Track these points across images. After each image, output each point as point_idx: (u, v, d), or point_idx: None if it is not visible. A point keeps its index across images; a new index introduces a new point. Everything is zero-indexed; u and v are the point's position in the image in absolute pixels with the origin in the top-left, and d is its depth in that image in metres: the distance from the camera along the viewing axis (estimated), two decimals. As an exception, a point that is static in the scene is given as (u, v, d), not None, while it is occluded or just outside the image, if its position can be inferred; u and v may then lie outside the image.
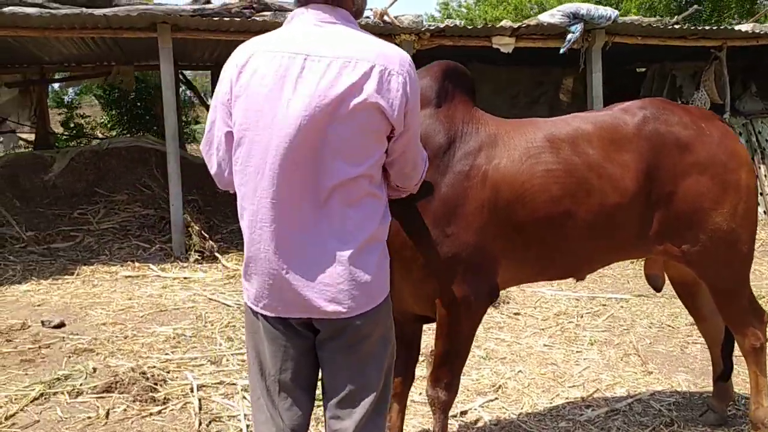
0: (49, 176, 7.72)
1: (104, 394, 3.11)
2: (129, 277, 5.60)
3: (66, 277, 5.57)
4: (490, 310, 2.48)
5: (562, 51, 6.74)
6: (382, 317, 1.68)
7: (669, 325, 4.26)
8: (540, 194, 2.18)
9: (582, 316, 4.47)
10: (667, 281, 2.82)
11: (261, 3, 6.19)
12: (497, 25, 7.02)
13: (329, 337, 1.64)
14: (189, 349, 3.85)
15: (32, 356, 3.72)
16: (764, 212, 7.96)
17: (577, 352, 3.81)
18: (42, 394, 3.13)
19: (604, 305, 4.73)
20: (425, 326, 2.50)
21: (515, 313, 4.52)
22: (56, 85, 13.12)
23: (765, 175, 8.09)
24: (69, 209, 7.28)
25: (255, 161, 1.53)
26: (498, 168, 2.14)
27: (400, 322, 2.18)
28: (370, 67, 1.50)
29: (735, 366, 2.85)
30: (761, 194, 7.94)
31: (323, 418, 1.76)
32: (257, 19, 6.11)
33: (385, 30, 6.35)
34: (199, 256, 6.08)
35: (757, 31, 7.41)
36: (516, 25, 6.85)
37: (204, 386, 3.26)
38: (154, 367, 3.47)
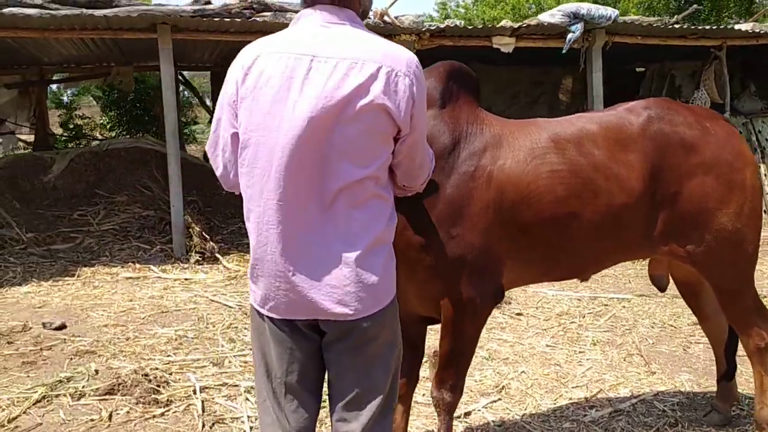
0: (48, 177, 7.70)
1: (107, 397, 3.10)
2: (130, 278, 5.59)
3: (66, 278, 5.56)
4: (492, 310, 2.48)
5: (564, 50, 6.73)
6: (389, 319, 1.67)
7: (671, 325, 4.25)
8: (545, 195, 2.17)
9: (584, 317, 4.47)
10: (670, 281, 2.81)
11: (261, 3, 6.19)
12: (497, 25, 7.02)
13: (336, 339, 1.63)
14: (191, 350, 3.84)
15: (34, 358, 3.71)
16: (765, 211, 7.97)
17: (579, 352, 3.80)
18: (44, 397, 3.12)
19: (606, 305, 4.73)
20: (428, 327, 2.49)
21: (517, 314, 4.51)
22: (54, 86, 13.09)
23: (765, 175, 8.09)
24: (69, 210, 7.26)
25: (261, 163, 1.52)
26: (503, 169, 2.14)
27: (405, 323, 2.16)
28: (377, 69, 1.49)
29: (738, 366, 2.85)
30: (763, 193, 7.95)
31: (326, 421, 1.75)
32: (257, 19, 6.11)
33: (386, 30, 6.34)
34: (199, 257, 6.08)
35: (757, 30, 7.41)
36: (516, 25, 6.86)
37: (207, 388, 3.25)
38: (157, 368, 3.46)
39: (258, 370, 1.72)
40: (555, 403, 3.12)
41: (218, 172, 1.67)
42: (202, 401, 3.09)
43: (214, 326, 4.26)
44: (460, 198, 2.09)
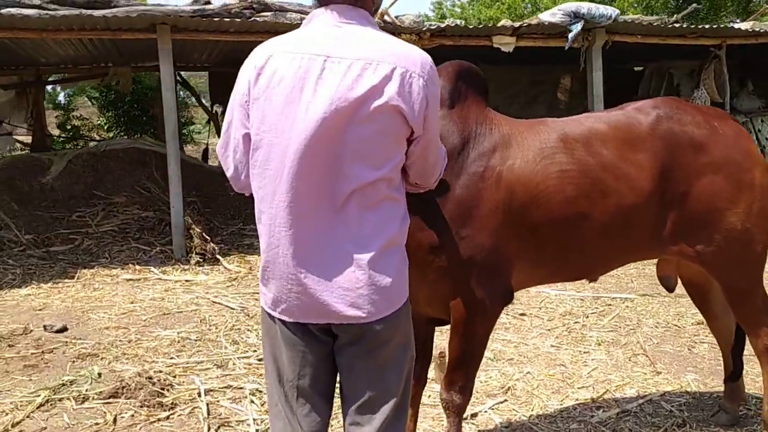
0: (46, 179, 7.67)
1: (111, 400, 3.08)
2: (130, 280, 5.57)
3: (66, 280, 5.53)
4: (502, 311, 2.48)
5: (567, 47, 6.72)
6: (402, 322, 1.65)
7: (675, 325, 4.25)
8: (555, 195, 2.16)
9: (588, 316, 4.46)
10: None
11: (261, 3, 6.16)
12: (498, 25, 7.01)
13: (348, 343, 1.61)
14: (194, 352, 3.81)
15: (36, 361, 3.68)
16: None
17: (584, 352, 3.79)
18: (48, 400, 3.10)
19: (609, 305, 4.72)
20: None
21: (521, 314, 4.50)
22: (49, 87, 13.02)
23: None
24: (67, 212, 7.22)
25: (274, 164, 1.50)
26: (512, 169, 2.13)
27: (413, 323, 2.15)
28: (392, 69, 1.47)
29: (743, 366, 2.84)
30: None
31: (332, 423, 1.73)
32: (257, 19, 6.08)
33: (386, 30, 6.31)
34: (200, 258, 6.05)
35: (757, 29, 7.42)
36: (517, 25, 6.85)
37: (211, 391, 3.23)
38: (161, 371, 3.43)
39: (269, 374, 1.70)
40: (561, 404, 3.11)
41: (229, 173, 1.65)
42: (207, 404, 3.07)
43: (216, 328, 4.24)
44: (470, 199, 2.07)
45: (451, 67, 2.20)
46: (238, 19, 6.01)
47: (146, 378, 3.24)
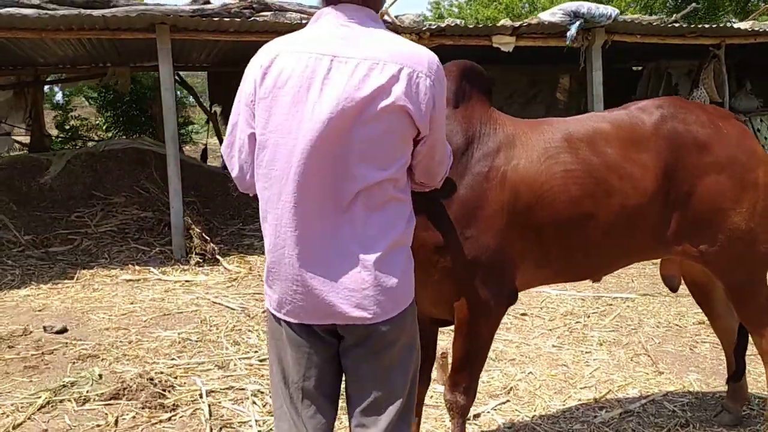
0: (45, 179, 7.65)
1: (112, 401, 3.06)
2: (130, 280, 5.55)
3: (66, 281, 5.51)
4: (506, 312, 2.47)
5: (567, 42, 6.69)
6: (408, 323, 1.65)
7: (676, 324, 4.25)
8: (559, 195, 2.15)
9: (589, 316, 4.45)
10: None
11: (261, 3, 6.15)
12: (498, 24, 7.00)
13: (354, 344, 1.60)
14: (195, 353, 3.80)
15: (36, 363, 3.66)
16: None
17: (586, 352, 3.79)
18: (48, 402, 3.08)
19: (610, 305, 4.72)
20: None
21: (522, 314, 4.50)
22: (45, 87, 12.99)
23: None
24: (66, 212, 7.20)
25: (280, 165, 1.49)
26: (517, 169, 2.12)
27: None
28: (399, 70, 1.46)
29: (746, 365, 2.83)
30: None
31: (337, 425, 1.72)
32: (257, 19, 6.07)
33: (386, 30, 6.30)
34: (200, 258, 6.03)
35: (756, 29, 7.42)
36: (517, 24, 6.84)
37: (213, 392, 3.22)
38: (161, 372, 3.42)
39: (274, 376, 1.70)
40: (564, 405, 3.11)
41: (234, 174, 1.64)
42: (209, 405, 3.06)
43: (217, 329, 4.23)
44: (474, 199, 2.07)
45: (455, 67, 2.19)
46: (238, 19, 6.00)
47: (147, 379, 3.23)
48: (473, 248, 2.06)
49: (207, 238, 6.21)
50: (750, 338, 2.62)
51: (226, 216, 7.78)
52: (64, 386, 3.26)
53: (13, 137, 11.31)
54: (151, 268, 5.85)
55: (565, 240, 2.21)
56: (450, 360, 3.32)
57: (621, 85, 10.05)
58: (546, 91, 11.13)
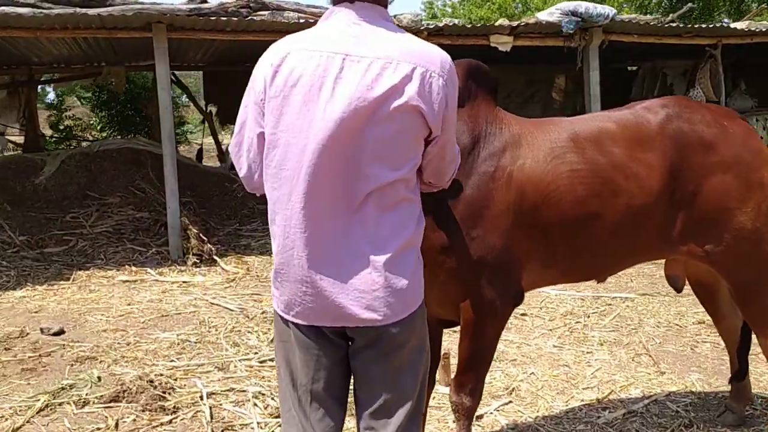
0: (39, 179, 7.60)
1: (112, 404, 3.03)
2: (126, 281, 5.51)
3: (61, 282, 5.46)
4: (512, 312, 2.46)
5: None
6: (418, 324, 1.63)
7: (677, 324, 4.24)
8: (565, 195, 2.14)
9: (589, 316, 4.45)
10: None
11: (258, 2, 6.12)
12: (495, 24, 7.00)
13: (364, 346, 1.59)
14: (195, 355, 3.77)
15: (33, 365, 3.62)
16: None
17: (587, 352, 3.78)
18: (47, 405, 3.04)
19: (610, 305, 4.72)
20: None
21: (522, 314, 4.48)
22: (38, 86, 12.90)
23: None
24: (61, 213, 7.15)
25: (291, 164, 1.47)
26: (523, 169, 2.11)
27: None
28: (412, 69, 1.44)
29: (749, 365, 2.83)
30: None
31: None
32: (254, 18, 6.03)
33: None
34: (197, 259, 5.99)
35: (753, 29, 7.45)
36: (515, 24, 6.83)
37: (214, 394, 3.19)
38: (161, 374, 3.38)
39: (282, 379, 1.67)
40: (567, 405, 3.09)
41: (242, 173, 1.61)
42: (210, 408, 3.03)
43: (216, 330, 4.20)
44: (481, 199, 2.05)
45: (461, 66, 2.17)
46: (235, 18, 5.96)
47: (147, 381, 3.20)
48: (479, 248, 2.04)
49: (204, 238, 6.18)
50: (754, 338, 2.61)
51: (222, 216, 7.74)
52: (62, 389, 3.22)
53: (6, 137, 11.23)
54: (148, 269, 5.81)
55: (572, 240, 2.20)
56: (452, 360, 3.32)
57: (617, 85, 10.08)
58: (543, 91, 11.14)
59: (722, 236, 2.33)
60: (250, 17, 6.03)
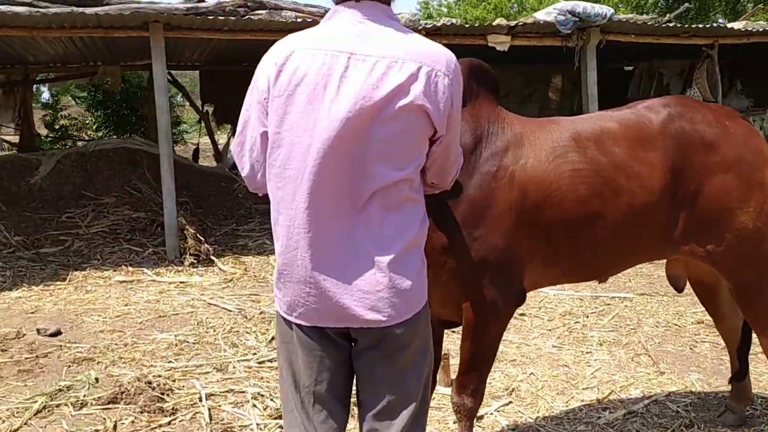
0: (35, 179, 7.55)
1: (110, 406, 3.01)
2: (123, 282, 5.47)
3: (58, 282, 5.43)
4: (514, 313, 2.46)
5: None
6: (422, 325, 1.62)
7: (675, 324, 4.25)
8: (567, 194, 2.14)
9: (587, 316, 4.45)
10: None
11: (256, 2, 6.10)
12: (493, 23, 6.99)
13: (368, 347, 1.57)
14: (193, 356, 3.75)
15: (30, 366, 3.60)
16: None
17: (587, 353, 3.77)
18: (45, 407, 3.02)
19: (609, 305, 4.71)
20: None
21: (521, 314, 4.48)
22: (33, 86, 12.82)
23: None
24: (56, 213, 7.11)
25: (295, 164, 1.46)
26: (525, 168, 2.10)
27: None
28: (418, 68, 1.43)
29: (749, 365, 2.83)
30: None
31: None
32: (252, 17, 6.01)
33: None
34: (194, 259, 5.97)
35: (750, 29, 7.47)
36: (513, 23, 6.83)
37: (212, 395, 3.17)
38: (159, 375, 3.36)
39: (284, 380, 1.66)
40: (567, 405, 3.09)
41: (244, 173, 1.60)
42: (209, 409, 3.01)
43: (214, 330, 4.17)
44: (483, 198, 2.04)
45: (462, 65, 2.14)
46: (233, 18, 5.94)
47: (145, 383, 3.17)
48: (481, 248, 2.04)
49: (201, 238, 6.15)
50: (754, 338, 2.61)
51: (219, 216, 7.72)
52: (60, 390, 3.20)
53: (1, 137, 11.17)
54: (145, 269, 5.78)
55: (574, 239, 2.20)
56: (451, 361, 3.31)
57: (614, 85, 10.09)
58: (541, 91, 11.15)
59: (724, 236, 2.33)
60: (247, 17, 6.01)
